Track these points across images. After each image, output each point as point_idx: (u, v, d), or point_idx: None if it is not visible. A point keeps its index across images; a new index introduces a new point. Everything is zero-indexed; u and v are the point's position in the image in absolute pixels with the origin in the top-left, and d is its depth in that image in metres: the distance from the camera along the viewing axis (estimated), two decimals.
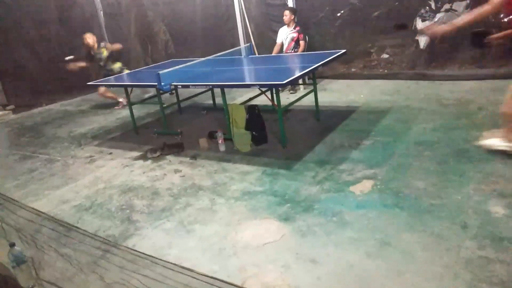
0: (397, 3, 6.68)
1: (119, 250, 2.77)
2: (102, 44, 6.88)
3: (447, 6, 5.98)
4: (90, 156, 4.78)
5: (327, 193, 3.13)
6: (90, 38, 6.76)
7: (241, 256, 2.52)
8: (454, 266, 2.16)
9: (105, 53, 6.78)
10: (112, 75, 6.45)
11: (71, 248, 2.89)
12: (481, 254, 2.21)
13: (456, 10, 5.96)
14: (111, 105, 7.37)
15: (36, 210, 3.55)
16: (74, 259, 2.74)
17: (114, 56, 6.89)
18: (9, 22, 7.98)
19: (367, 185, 3.16)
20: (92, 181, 4.04)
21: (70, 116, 6.98)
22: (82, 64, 6.80)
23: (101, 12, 9.55)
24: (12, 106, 7.83)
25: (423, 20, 6.06)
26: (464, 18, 3.17)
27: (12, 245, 2.52)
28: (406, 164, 3.41)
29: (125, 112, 6.39)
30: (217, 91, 5.25)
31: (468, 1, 5.96)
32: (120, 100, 7.09)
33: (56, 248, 2.90)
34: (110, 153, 4.79)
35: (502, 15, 3.06)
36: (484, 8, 3.01)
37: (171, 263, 2.55)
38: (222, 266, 2.45)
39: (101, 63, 6.83)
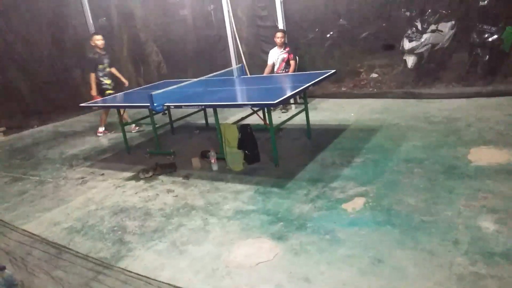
0: (384, 24, 6.88)
1: (111, 272, 2.74)
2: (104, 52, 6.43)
3: (433, 27, 6.16)
4: (82, 177, 4.75)
5: (319, 211, 3.14)
6: (101, 40, 6.23)
7: (234, 276, 2.51)
8: (446, 282, 2.17)
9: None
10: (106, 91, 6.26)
11: (62, 270, 2.84)
12: (472, 270, 2.23)
13: (442, 31, 6.14)
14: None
15: (29, 232, 3.51)
16: (65, 282, 2.70)
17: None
18: (0, 43, 8.00)
19: (359, 202, 3.18)
20: (84, 203, 4.01)
21: (61, 137, 6.95)
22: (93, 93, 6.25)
23: None
24: (3, 128, 7.77)
25: (410, 41, 6.21)
26: None
27: (2, 268, 2.49)
28: (396, 181, 3.45)
29: (117, 133, 6.38)
30: (210, 111, 5.29)
31: (453, 22, 6.16)
32: (102, 129, 6.69)
33: (47, 271, 2.86)
34: (102, 174, 4.77)
35: None
36: None
37: (165, 282, 2.52)
38: (215, 287, 2.43)
39: (105, 71, 6.32)
